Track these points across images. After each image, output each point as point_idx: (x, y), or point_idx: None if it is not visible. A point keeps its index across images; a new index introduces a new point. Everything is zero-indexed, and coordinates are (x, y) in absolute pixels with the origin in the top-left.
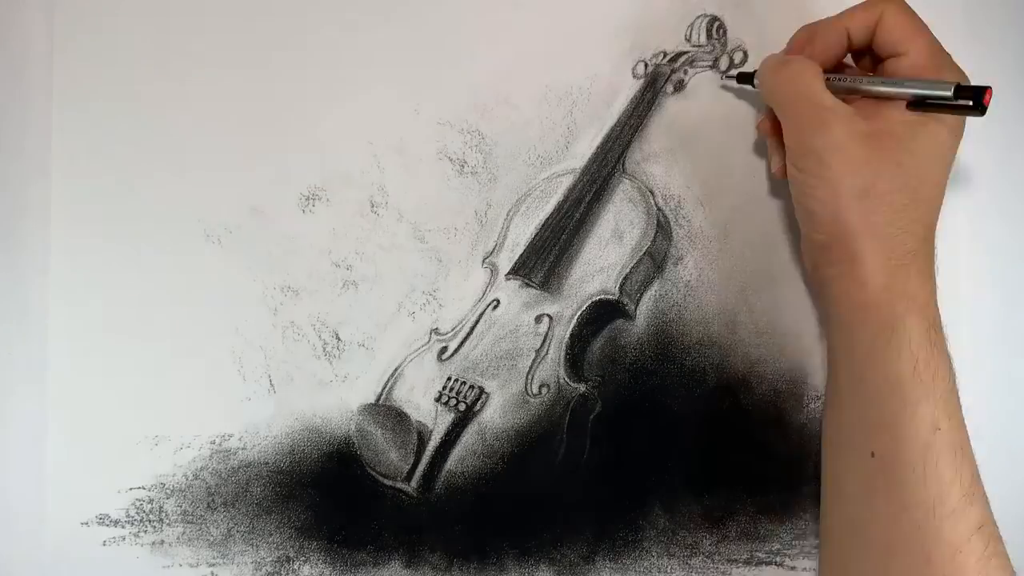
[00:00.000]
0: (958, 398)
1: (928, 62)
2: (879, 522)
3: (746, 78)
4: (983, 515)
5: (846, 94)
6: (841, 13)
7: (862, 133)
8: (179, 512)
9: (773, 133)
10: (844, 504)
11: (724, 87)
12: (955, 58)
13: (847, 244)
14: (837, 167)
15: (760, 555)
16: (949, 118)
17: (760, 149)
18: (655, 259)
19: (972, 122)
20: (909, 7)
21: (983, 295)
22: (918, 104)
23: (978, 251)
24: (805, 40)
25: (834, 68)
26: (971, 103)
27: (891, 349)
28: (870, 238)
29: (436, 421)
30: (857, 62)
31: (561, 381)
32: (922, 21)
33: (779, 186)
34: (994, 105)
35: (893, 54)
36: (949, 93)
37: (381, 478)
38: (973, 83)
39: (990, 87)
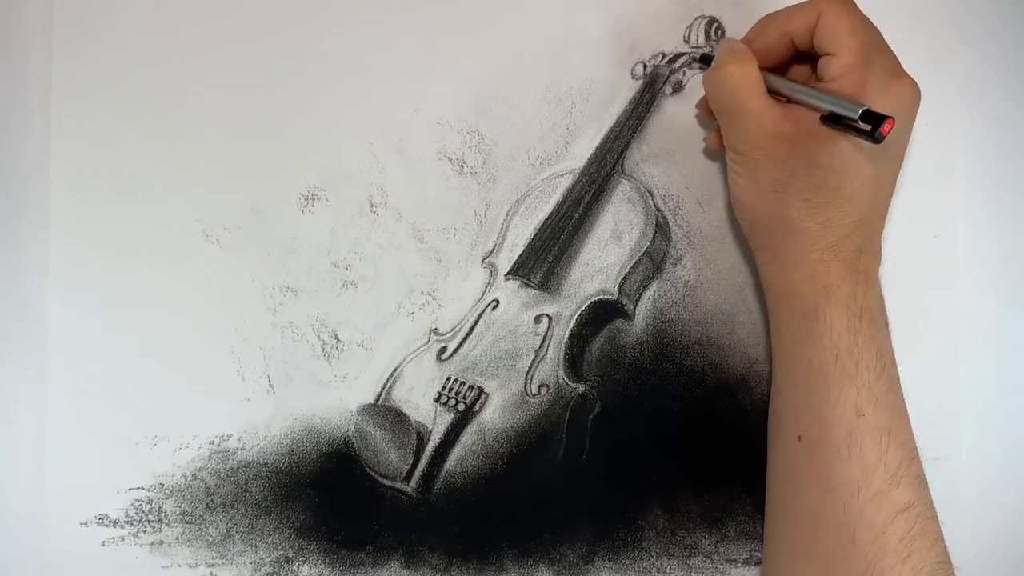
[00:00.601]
0: (889, 383)
1: (856, 63)
2: (807, 501)
3: (707, 61)
4: (912, 496)
5: (780, 94)
6: (788, 9)
7: (784, 133)
8: (178, 512)
9: (709, 116)
10: (777, 484)
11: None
12: (949, 59)
13: (768, 233)
14: (759, 162)
15: (760, 555)
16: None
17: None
18: (654, 259)
19: (971, 122)
20: (852, 7)
21: (982, 295)
22: (832, 119)
23: (977, 251)
24: (757, 33)
25: (783, 63)
26: (869, 129)
27: (812, 338)
28: (789, 230)
29: (435, 421)
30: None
31: (560, 381)
32: (863, 22)
33: None
34: (992, 106)
35: (825, 53)
36: (855, 115)
37: (380, 478)
38: (961, 84)
39: (892, 118)
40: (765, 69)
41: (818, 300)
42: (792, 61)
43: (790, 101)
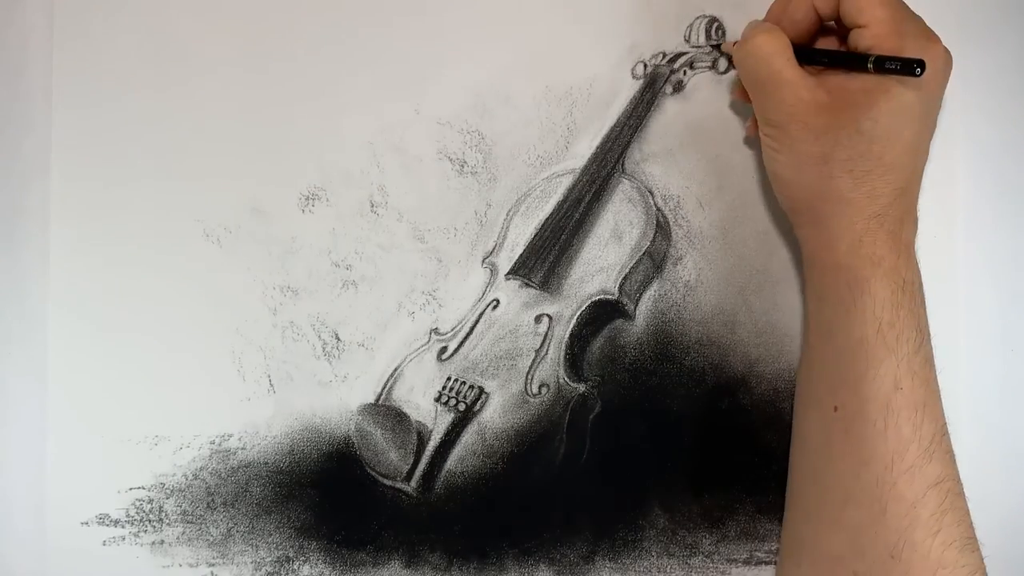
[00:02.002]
0: (926, 357)
1: (888, 32)
2: (839, 474)
3: (729, 48)
4: (943, 471)
5: (812, 65)
6: None
7: (821, 103)
8: (179, 512)
9: (744, 98)
10: (808, 455)
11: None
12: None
13: (811, 208)
14: (797, 134)
15: (760, 555)
16: (913, 80)
17: (759, 149)
18: (654, 259)
19: (972, 122)
20: None
21: (981, 296)
22: (877, 63)
23: (977, 251)
24: (780, 11)
25: (810, 37)
26: (913, 67)
27: (856, 311)
28: (833, 202)
29: (436, 421)
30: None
31: (561, 381)
32: None
33: None
34: (993, 106)
35: (855, 25)
36: (869, 68)
37: (381, 478)
38: (961, 84)
39: (923, 61)
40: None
41: (864, 271)
42: (817, 35)
43: (821, 72)
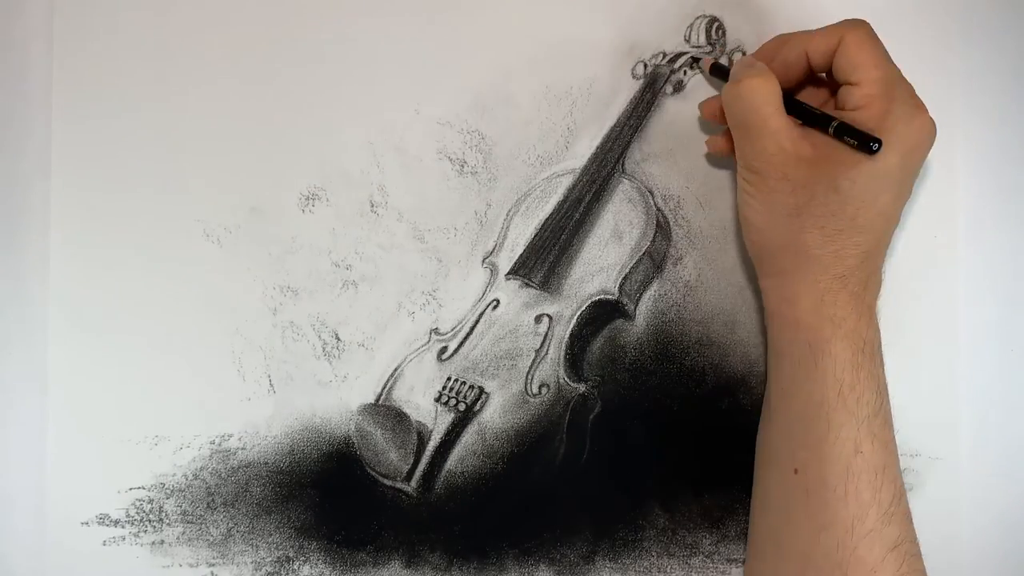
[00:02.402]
0: (885, 419)
1: (879, 94)
2: (800, 537)
3: (719, 71)
4: (901, 534)
5: (796, 115)
6: (807, 32)
7: (803, 156)
8: (179, 512)
9: (713, 119)
10: (768, 516)
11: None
12: (950, 59)
13: (777, 259)
14: (774, 184)
15: None
16: (900, 146)
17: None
18: (654, 259)
19: (972, 122)
20: (873, 35)
21: (981, 296)
22: (838, 132)
23: (977, 251)
24: (772, 51)
25: (798, 84)
26: (869, 143)
27: (817, 372)
28: (800, 257)
29: (436, 421)
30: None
31: (561, 381)
32: (884, 53)
33: None
34: (993, 106)
35: (847, 82)
36: (830, 132)
37: (381, 478)
38: (962, 84)
39: (879, 140)
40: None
41: (824, 331)
42: (806, 83)
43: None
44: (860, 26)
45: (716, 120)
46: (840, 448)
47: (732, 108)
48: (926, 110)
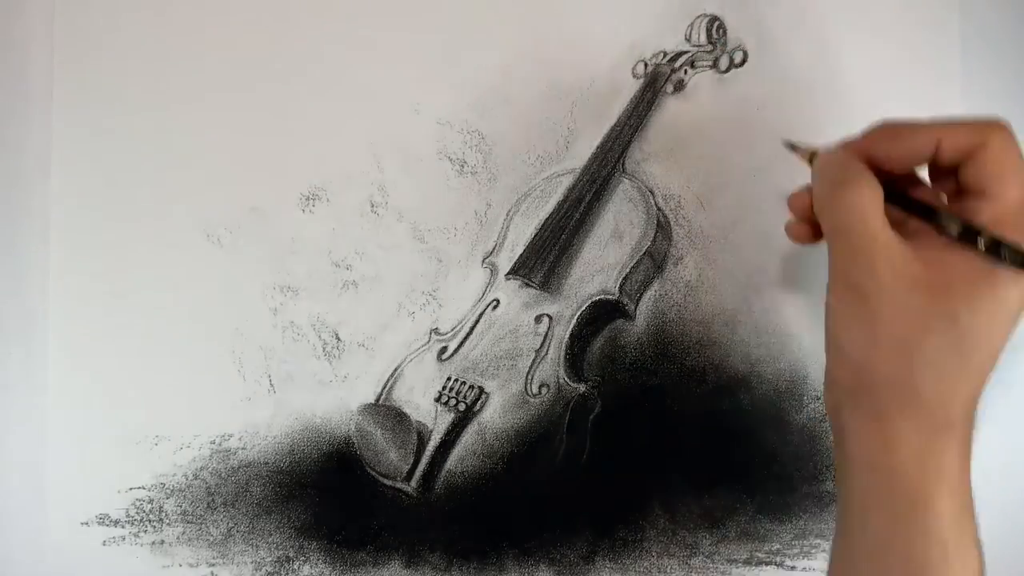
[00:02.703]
0: None
1: (1018, 213)
2: None
3: (805, 155)
4: None
5: (904, 215)
6: (939, 121)
7: (917, 278)
8: (179, 512)
9: (802, 217)
10: None
11: (728, 92)
12: (950, 58)
13: (878, 398)
14: (882, 311)
15: (760, 555)
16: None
17: (760, 149)
18: (655, 259)
19: None
20: (1016, 141)
21: None
22: (992, 248)
23: None
24: (878, 139)
25: (901, 176)
26: None
27: (918, 529)
28: (907, 399)
29: (436, 421)
30: (932, 179)
31: (561, 381)
32: None
33: (779, 186)
34: (993, 106)
35: (980, 192)
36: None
37: (381, 478)
38: (962, 84)
39: None
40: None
41: (928, 484)
42: (907, 179)
43: (908, 235)
44: (1007, 130)
45: (806, 221)
46: None
47: (832, 219)
48: None
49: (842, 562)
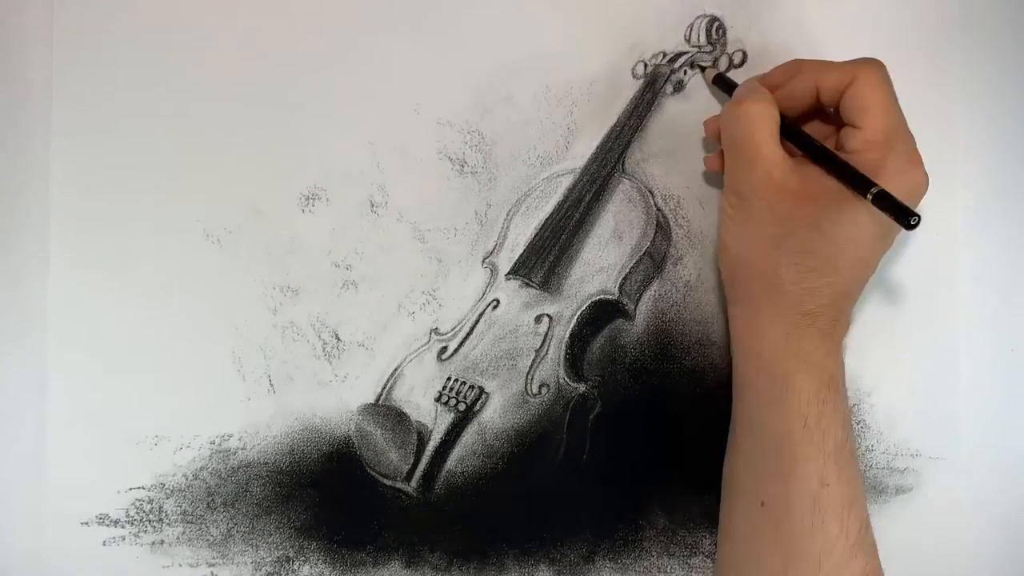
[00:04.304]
0: (850, 452)
1: (880, 141)
2: (766, 570)
3: (723, 84)
4: (866, 565)
5: (796, 147)
6: (821, 64)
7: (790, 188)
8: (179, 512)
9: (715, 137)
10: (734, 547)
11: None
12: (950, 57)
13: (749, 288)
14: (756, 212)
15: None
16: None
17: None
18: (655, 259)
19: (972, 121)
20: (886, 79)
21: (981, 296)
22: (878, 198)
23: (977, 251)
24: (783, 77)
25: (800, 114)
26: (908, 218)
27: (781, 405)
28: (772, 290)
29: (436, 421)
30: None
31: (561, 381)
32: (893, 99)
33: None
34: (993, 105)
35: (852, 123)
36: (868, 198)
37: (381, 478)
38: (962, 84)
39: (919, 216)
40: (784, 117)
41: (788, 365)
42: (808, 116)
43: (802, 155)
44: (875, 67)
45: (716, 139)
46: (807, 482)
47: (728, 129)
48: (922, 164)
49: (732, 436)
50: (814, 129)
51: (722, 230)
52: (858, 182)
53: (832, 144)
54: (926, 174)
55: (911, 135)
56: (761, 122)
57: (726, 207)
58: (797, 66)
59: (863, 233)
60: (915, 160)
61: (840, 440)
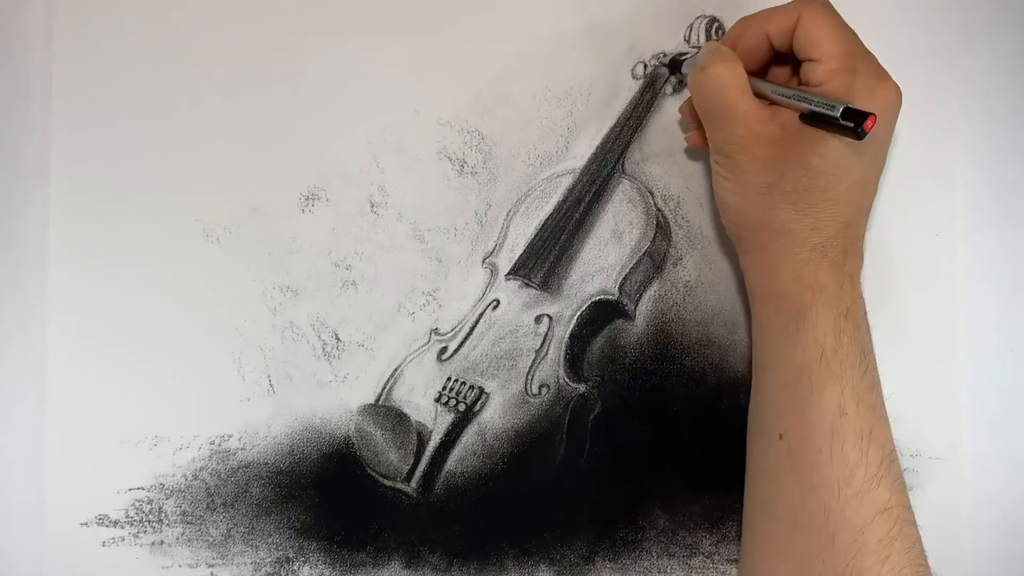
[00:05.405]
0: (872, 383)
1: (840, 68)
2: (787, 500)
3: (676, 65)
4: (891, 498)
5: (763, 97)
6: (766, 12)
7: (772, 136)
8: (178, 513)
9: (692, 119)
10: (756, 484)
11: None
12: (950, 59)
13: (755, 236)
14: (745, 165)
15: None
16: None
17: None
18: (654, 259)
19: (972, 121)
20: (830, 10)
21: (981, 296)
22: (812, 118)
23: (977, 251)
24: (736, 35)
25: (765, 65)
26: (852, 125)
27: (799, 337)
28: (776, 232)
29: (436, 421)
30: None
31: (561, 381)
32: (842, 26)
33: None
34: (993, 106)
35: (807, 59)
36: (837, 114)
37: (381, 479)
38: (961, 84)
39: (874, 115)
40: (748, 72)
41: (805, 298)
42: (770, 64)
43: (772, 104)
44: (816, 2)
45: (691, 119)
46: (824, 410)
47: (699, 96)
48: (889, 77)
49: (754, 376)
50: (779, 75)
51: (717, 190)
52: (825, 109)
53: (795, 84)
54: (896, 86)
55: (871, 54)
56: (729, 79)
57: (715, 168)
58: (745, 23)
59: (853, 157)
60: (882, 75)
61: (860, 370)
